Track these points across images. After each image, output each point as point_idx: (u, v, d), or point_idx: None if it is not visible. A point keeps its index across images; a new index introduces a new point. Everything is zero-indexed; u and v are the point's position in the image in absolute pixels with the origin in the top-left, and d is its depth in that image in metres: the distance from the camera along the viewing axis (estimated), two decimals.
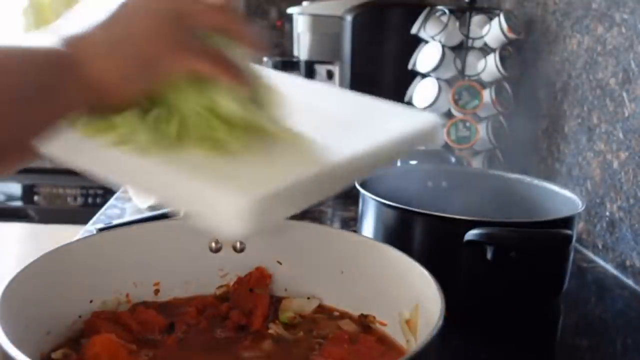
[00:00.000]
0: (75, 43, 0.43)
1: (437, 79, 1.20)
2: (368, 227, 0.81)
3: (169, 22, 0.44)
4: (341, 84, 1.48)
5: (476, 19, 1.20)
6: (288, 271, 0.65)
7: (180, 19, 0.44)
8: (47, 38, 0.43)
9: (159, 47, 0.44)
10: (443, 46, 1.19)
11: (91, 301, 0.59)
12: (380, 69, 1.39)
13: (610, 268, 0.94)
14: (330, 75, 1.56)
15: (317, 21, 1.52)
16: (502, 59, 1.17)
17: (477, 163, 1.19)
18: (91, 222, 1.01)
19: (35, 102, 0.41)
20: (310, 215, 1.10)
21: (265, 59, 1.37)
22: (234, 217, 0.39)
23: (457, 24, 1.21)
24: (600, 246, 0.98)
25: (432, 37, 1.21)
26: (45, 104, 0.42)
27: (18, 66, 0.41)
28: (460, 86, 1.17)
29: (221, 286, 0.66)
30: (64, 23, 0.45)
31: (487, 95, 1.18)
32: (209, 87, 0.45)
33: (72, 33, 0.43)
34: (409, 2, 1.41)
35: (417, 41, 1.26)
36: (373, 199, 0.78)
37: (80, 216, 1.27)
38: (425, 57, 1.22)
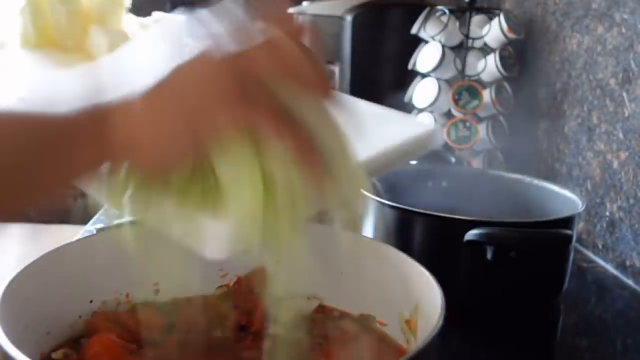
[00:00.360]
0: (111, 107, 0.37)
1: (437, 79, 1.20)
2: (368, 227, 0.81)
3: (229, 74, 0.37)
4: (341, 84, 1.48)
5: (476, 19, 1.20)
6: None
7: (246, 72, 0.37)
8: (79, 95, 0.38)
9: (210, 98, 0.37)
10: (443, 46, 1.19)
11: (91, 301, 0.59)
12: (380, 69, 1.39)
13: (610, 268, 0.94)
14: (330, 75, 1.56)
15: (317, 21, 1.52)
16: (502, 59, 1.17)
17: (477, 163, 1.19)
18: (91, 222, 1.01)
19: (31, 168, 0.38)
20: None
21: None
22: (219, 240, 0.39)
23: (457, 24, 1.21)
24: (600, 246, 0.98)
25: (432, 37, 1.21)
26: (45, 170, 0.38)
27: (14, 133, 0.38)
28: (460, 86, 1.17)
29: (221, 286, 0.66)
30: (107, 69, 0.40)
31: (487, 95, 1.18)
32: (266, 152, 0.38)
33: (110, 96, 0.38)
34: (409, 2, 1.40)
35: (417, 41, 1.26)
36: (373, 199, 0.78)
37: (80, 216, 1.27)
38: (425, 57, 1.22)
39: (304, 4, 1.58)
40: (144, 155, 0.38)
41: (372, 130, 0.52)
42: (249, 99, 0.37)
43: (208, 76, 0.37)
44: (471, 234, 0.70)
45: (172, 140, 0.38)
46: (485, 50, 1.20)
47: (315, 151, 0.39)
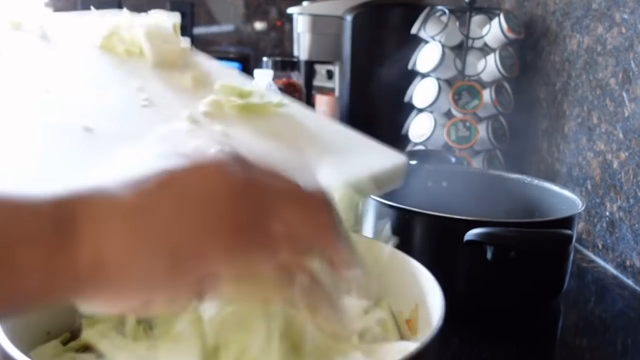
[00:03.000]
0: (79, 202, 0.27)
1: (437, 79, 1.20)
2: (368, 227, 0.81)
3: (235, 198, 0.29)
4: (341, 84, 1.48)
5: (476, 19, 1.20)
6: None
7: (257, 194, 0.29)
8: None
9: (205, 224, 0.28)
10: (443, 46, 1.19)
11: None
12: (380, 69, 1.39)
13: (610, 268, 0.94)
14: (330, 75, 1.56)
15: (317, 21, 1.52)
16: (502, 59, 1.17)
17: (477, 163, 1.19)
18: None
19: None
20: None
21: (265, 59, 1.37)
22: None
23: (457, 24, 1.21)
24: (600, 246, 0.98)
25: (432, 37, 1.21)
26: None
27: None
28: (460, 86, 1.17)
29: None
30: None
31: (487, 95, 1.18)
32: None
33: (82, 187, 0.28)
34: (409, 2, 1.40)
35: (417, 41, 1.26)
36: (373, 199, 0.78)
37: None
38: (425, 57, 1.22)
39: (304, 4, 1.58)
40: (115, 286, 0.29)
41: (342, 158, 0.51)
42: (252, 236, 0.29)
43: (208, 193, 0.29)
44: (471, 234, 0.70)
45: (151, 252, 0.28)
46: (485, 50, 1.20)
47: (322, 295, 0.35)
